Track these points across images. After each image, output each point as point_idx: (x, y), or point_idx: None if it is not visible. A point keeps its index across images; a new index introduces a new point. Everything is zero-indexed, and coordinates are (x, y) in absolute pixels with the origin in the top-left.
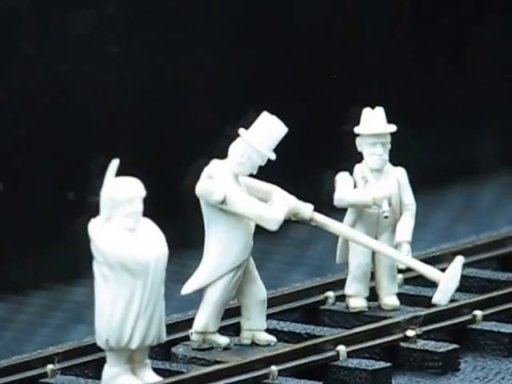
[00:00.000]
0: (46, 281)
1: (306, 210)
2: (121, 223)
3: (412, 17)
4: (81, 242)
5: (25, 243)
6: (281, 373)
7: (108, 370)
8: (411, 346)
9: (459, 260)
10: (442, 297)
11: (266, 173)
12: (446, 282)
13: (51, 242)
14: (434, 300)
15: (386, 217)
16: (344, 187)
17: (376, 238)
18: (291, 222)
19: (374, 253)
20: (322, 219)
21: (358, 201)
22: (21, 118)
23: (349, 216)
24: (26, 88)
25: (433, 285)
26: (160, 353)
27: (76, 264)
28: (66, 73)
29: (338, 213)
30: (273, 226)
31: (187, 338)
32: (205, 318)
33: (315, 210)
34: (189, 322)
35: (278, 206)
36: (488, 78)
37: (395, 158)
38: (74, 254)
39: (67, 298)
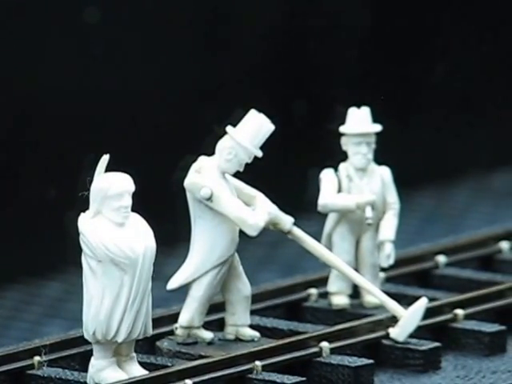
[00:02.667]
0: (21, 275)
1: (286, 222)
2: (110, 217)
3: (393, 14)
4: (58, 236)
5: (1, 238)
6: (264, 368)
7: (94, 363)
8: (393, 343)
9: (423, 301)
10: (399, 333)
11: (251, 170)
12: (407, 320)
13: (28, 236)
14: (392, 335)
15: (368, 224)
16: (327, 193)
17: (359, 237)
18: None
19: (357, 251)
20: (299, 234)
21: (342, 206)
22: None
23: (332, 215)
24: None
25: (415, 284)
26: (145, 347)
27: (52, 259)
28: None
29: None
30: (252, 231)
31: (172, 333)
32: (190, 313)
33: (299, 207)
34: (174, 317)
35: (261, 213)
36: (460, 79)
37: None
38: (51, 248)
39: (43, 292)
